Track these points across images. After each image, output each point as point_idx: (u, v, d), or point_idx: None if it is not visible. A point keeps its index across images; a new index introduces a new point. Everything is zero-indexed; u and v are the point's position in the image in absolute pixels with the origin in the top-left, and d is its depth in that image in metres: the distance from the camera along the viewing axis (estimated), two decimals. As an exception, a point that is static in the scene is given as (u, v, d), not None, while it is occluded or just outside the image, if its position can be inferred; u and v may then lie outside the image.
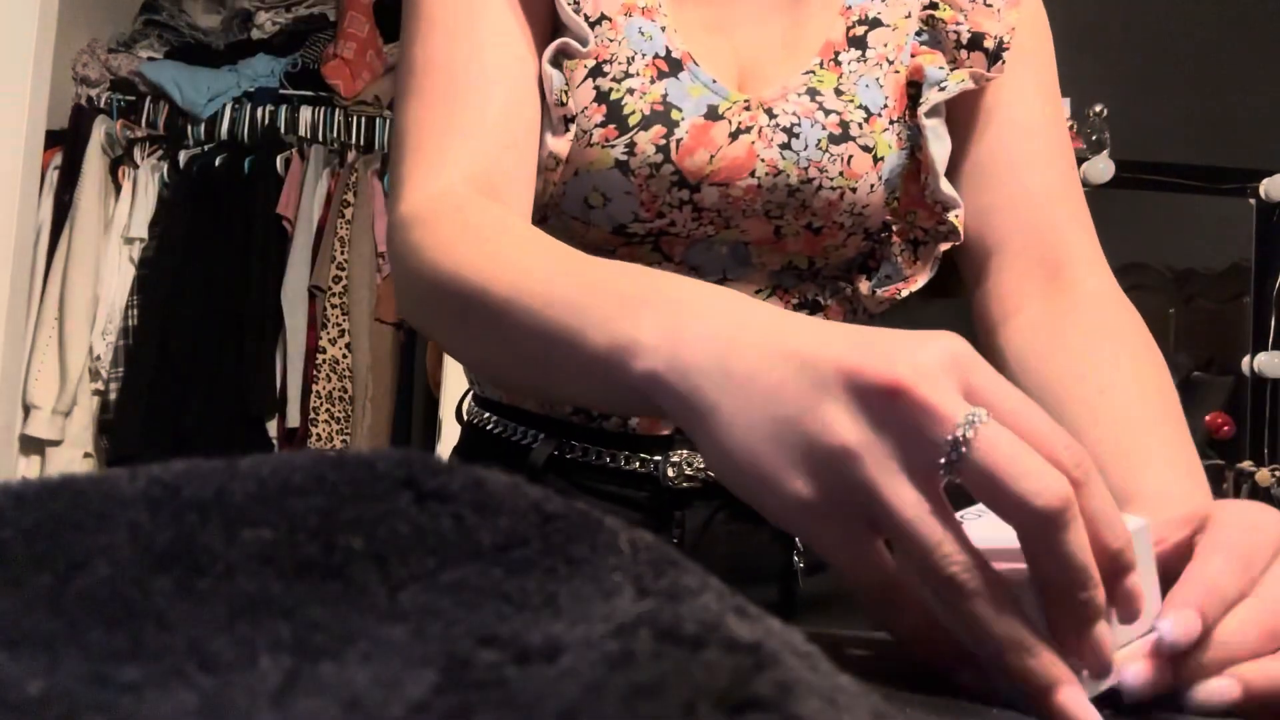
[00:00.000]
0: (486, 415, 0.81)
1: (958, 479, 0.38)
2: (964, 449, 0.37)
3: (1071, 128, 2.38)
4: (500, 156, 0.66)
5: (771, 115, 0.71)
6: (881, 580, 0.41)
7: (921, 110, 0.73)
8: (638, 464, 0.74)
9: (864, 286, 0.78)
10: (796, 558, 0.76)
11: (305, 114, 2.84)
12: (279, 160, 2.83)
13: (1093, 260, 0.73)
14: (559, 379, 0.51)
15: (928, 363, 0.38)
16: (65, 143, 2.84)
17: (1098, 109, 2.36)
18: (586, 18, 0.70)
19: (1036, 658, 0.38)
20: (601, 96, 0.69)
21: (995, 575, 0.38)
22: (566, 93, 0.69)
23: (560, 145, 0.69)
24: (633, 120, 0.69)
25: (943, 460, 0.37)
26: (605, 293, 0.47)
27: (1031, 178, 0.75)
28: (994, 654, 0.38)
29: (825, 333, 0.41)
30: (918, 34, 0.76)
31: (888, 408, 0.38)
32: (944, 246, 0.76)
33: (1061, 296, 0.71)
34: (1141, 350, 0.67)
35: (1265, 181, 2.39)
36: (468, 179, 0.65)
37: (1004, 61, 0.73)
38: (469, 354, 0.61)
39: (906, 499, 0.38)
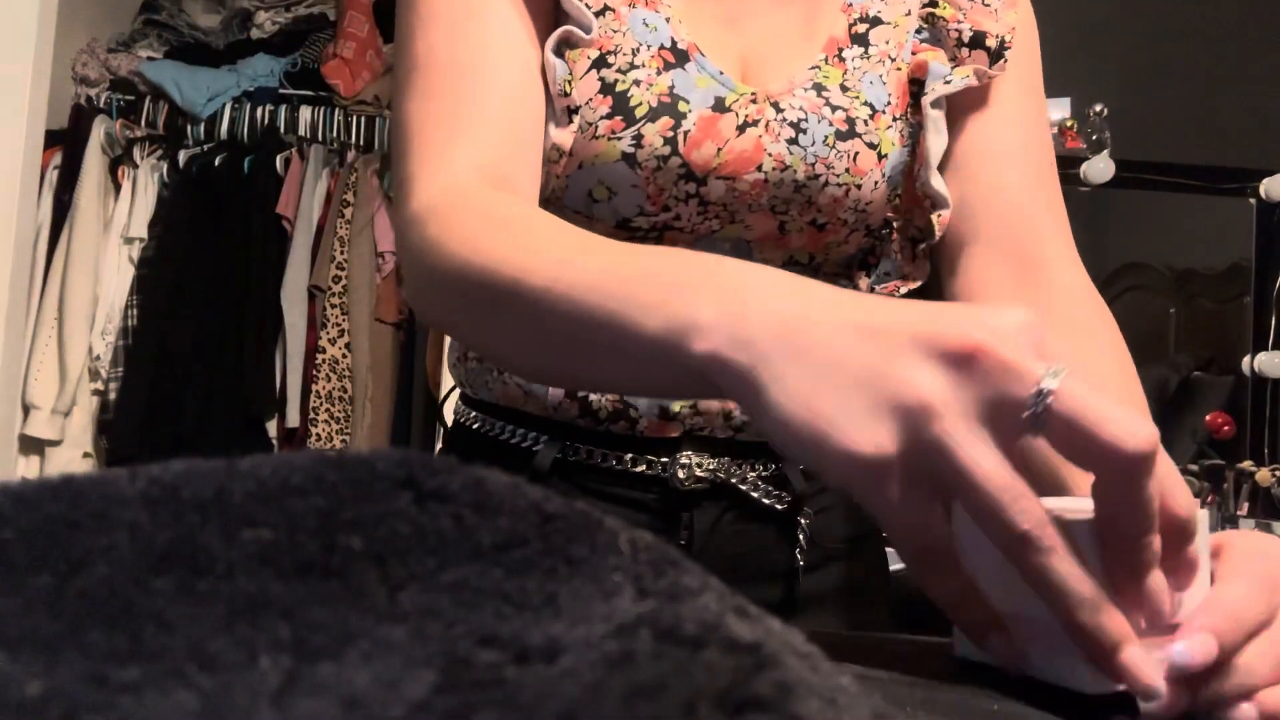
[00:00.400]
0: (479, 416, 0.80)
1: (1041, 433, 0.39)
2: (1050, 400, 0.38)
3: (1071, 128, 2.38)
4: (508, 148, 0.66)
5: (778, 109, 0.71)
6: (930, 543, 0.42)
7: (927, 100, 0.73)
8: (644, 466, 0.74)
9: (863, 284, 0.78)
10: (799, 555, 0.76)
11: (305, 114, 2.83)
12: (279, 160, 2.82)
13: (1067, 257, 0.73)
14: (603, 366, 0.51)
15: (1004, 326, 0.39)
16: (65, 142, 2.83)
17: (1098, 109, 2.36)
18: (589, 7, 0.69)
19: (1107, 615, 0.39)
20: (607, 88, 0.69)
21: (1065, 533, 0.39)
22: (570, 83, 0.69)
23: (563, 137, 0.69)
24: (640, 112, 0.68)
25: (1026, 414, 0.38)
26: (652, 277, 0.47)
27: (1008, 173, 0.74)
28: (1063, 610, 0.39)
29: (893, 307, 0.42)
30: (918, 32, 0.76)
31: (968, 370, 0.39)
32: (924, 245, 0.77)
33: (1036, 293, 0.71)
34: (1109, 349, 0.67)
35: (1265, 181, 2.39)
36: (477, 171, 0.64)
37: (1005, 60, 0.74)
38: (499, 346, 0.60)
39: (983, 456, 0.38)
